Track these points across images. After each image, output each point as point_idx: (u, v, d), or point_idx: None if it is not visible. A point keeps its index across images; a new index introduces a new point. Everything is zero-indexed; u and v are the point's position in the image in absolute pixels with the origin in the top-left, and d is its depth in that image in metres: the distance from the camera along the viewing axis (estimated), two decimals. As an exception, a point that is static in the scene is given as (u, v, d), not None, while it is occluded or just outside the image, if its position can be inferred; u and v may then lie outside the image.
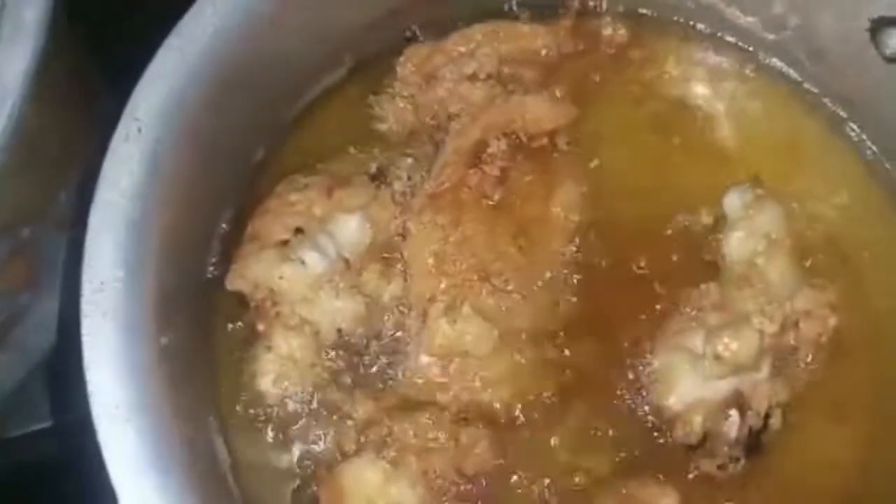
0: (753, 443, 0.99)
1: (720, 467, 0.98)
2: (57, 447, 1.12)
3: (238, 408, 1.01)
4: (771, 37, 1.16)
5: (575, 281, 1.04)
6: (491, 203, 1.03)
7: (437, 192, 1.02)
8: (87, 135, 1.04)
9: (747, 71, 1.19)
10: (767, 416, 0.99)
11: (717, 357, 0.96)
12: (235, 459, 0.99)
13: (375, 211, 1.03)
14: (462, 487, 0.96)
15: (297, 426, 1.00)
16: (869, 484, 1.03)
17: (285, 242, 0.99)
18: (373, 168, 1.06)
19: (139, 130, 0.89)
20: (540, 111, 1.09)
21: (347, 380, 1.01)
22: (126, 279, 0.86)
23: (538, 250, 1.04)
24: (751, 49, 1.19)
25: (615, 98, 1.16)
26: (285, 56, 1.05)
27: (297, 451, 1.00)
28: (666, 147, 1.14)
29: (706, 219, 1.08)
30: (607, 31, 1.18)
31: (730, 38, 1.19)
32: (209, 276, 1.03)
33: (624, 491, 0.96)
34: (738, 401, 0.98)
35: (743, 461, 0.98)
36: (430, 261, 1.00)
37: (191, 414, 0.93)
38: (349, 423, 0.98)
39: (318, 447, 1.00)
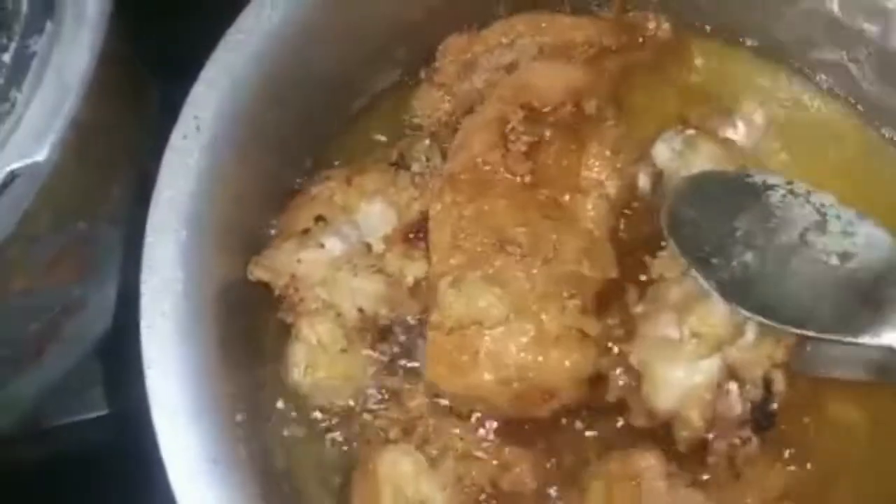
0: (761, 416, 0.96)
1: (732, 452, 0.95)
2: (109, 436, 1.12)
3: (280, 403, 1.01)
4: (819, 52, 1.16)
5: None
6: (522, 181, 1.00)
7: (455, 172, 1.01)
8: (138, 130, 1.05)
9: (797, 88, 1.19)
10: (768, 384, 0.96)
11: (697, 335, 0.94)
12: (286, 457, 1.00)
13: (395, 193, 1.02)
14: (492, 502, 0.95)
15: (341, 422, 1.01)
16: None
17: (306, 231, 0.99)
18: (393, 155, 1.06)
19: (198, 128, 0.89)
20: (551, 76, 1.06)
21: (383, 366, 1.01)
22: (185, 279, 0.86)
23: (567, 223, 1.00)
24: (800, 66, 1.18)
25: (653, 94, 1.16)
26: (340, 55, 1.05)
27: (339, 443, 1.00)
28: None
29: (643, 182, 1.08)
30: (651, 26, 1.17)
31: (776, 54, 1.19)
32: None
33: (611, 470, 0.95)
34: (732, 375, 0.95)
35: (755, 440, 0.95)
36: (449, 239, 0.98)
37: (249, 412, 0.94)
38: (397, 413, 0.98)
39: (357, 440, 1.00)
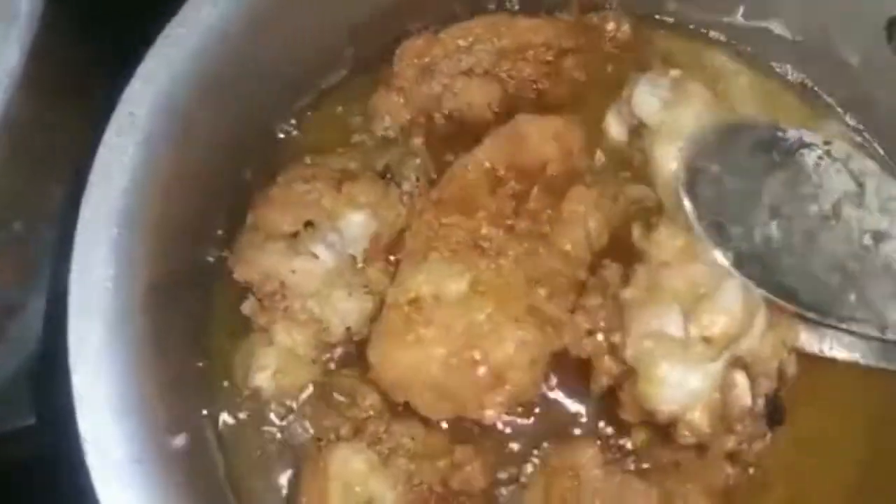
0: (774, 410, 0.91)
1: (741, 446, 0.92)
2: (39, 446, 1.10)
3: (232, 404, 1.00)
4: (780, 42, 1.14)
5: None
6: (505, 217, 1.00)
7: (440, 198, 1.01)
8: (79, 128, 1.02)
9: (754, 73, 1.17)
10: (782, 374, 0.91)
11: (707, 339, 0.87)
12: (230, 459, 0.99)
13: (383, 209, 1.01)
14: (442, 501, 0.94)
15: (293, 422, 1.00)
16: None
17: (295, 234, 0.97)
18: (380, 165, 1.05)
19: (133, 124, 0.88)
20: (542, 131, 1.05)
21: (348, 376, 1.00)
22: (116, 277, 0.85)
23: (544, 242, 0.99)
24: (758, 52, 1.17)
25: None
26: (289, 52, 1.04)
27: (293, 447, 1.00)
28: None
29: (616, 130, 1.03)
30: (610, 27, 1.16)
31: (738, 44, 1.18)
32: (206, 269, 1.03)
33: (550, 464, 0.95)
34: (741, 367, 0.89)
35: (769, 434, 0.92)
36: (423, 243, 0.98)
37: (183, 414, 0.93)
38: (351, 412, 0.96)
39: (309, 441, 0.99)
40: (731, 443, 0.91)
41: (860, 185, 0.94)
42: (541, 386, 0.96)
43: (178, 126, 0.91)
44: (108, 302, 0.84)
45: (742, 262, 0.89)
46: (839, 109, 1.15)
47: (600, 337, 0.93)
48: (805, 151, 0.95)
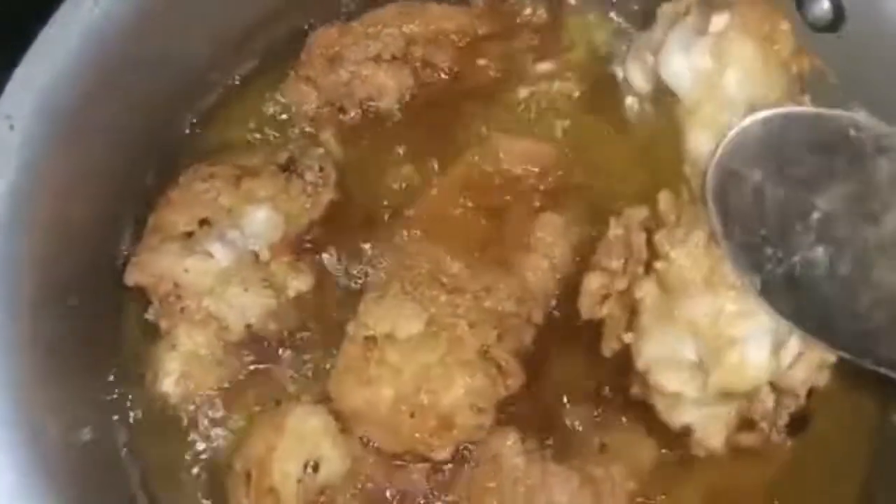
0: (797, 420, 0.86)
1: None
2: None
3: (142, 412, 0.98)
4: None
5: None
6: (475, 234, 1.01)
7: (413, 216, 1.02)
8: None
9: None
10: (810, 392, 0.83)
11: (726, 393, 0.80)
12: (143, 465, 0.97)
13: (285, 202, 1.00)
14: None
15: (206, 425, 0.97)
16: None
17: (190, 234, 0.96)
18: (282, 158, 1.03)
19: (11, 128, 0.85)
20: (519, 148, 1.06)
21: (263, 377, 0.98)
22: (2, 286, 0.82)
23: (507, 271, 1.00)
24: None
25: (533, 84, 1.12)
26: (185, 47, 1.02)
27: (204, 449, 0.97)
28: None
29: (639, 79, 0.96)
30: (526, 13, 1.14)
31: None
32: (115, 273, 0.99)
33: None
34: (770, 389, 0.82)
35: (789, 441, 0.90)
36: (394, 270, 0.98)
37: (88, 424, 0.90)
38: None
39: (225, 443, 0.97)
40: (749, 440, 0.88)
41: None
42: (487, 427, 0.94)
43: (64, 129, 0.88)
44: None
45: (772, 291, 0.75)
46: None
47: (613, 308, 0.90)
48: (882, 160, 0.75)
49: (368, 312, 0.94)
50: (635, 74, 0.97)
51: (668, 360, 0.83)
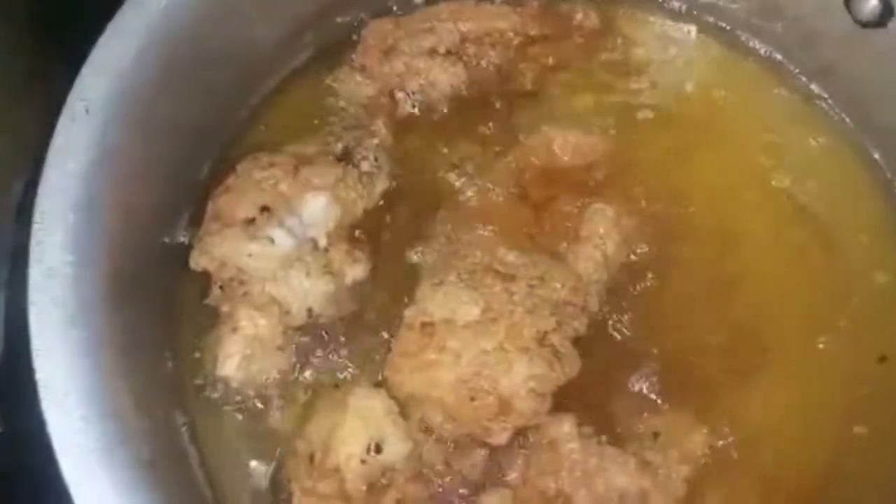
0: None
1: None
2: (9, 454, 1.07)
3: (203, 395, 0.98)
4: (745, 12, 1.15)
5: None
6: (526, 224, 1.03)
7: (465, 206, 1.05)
8: (37, 124, 1.01)
9: (721, 50, 1.18)
10: None
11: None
12: (202, 448, 0.97)
13: (342, 191, 1.01)
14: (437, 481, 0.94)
15: (266, 407, 0.98)
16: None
17: (251, 220, 0.97)
18: (338, 148, 1.04)
19: (86, 111, 0.87)
20: (571, 140, 1.08)
21: (321, 362, 0.99)
22: (77, 264, 0.83)
23: (559, 261, 1.01)
24: (726, 27, 1.18)
25: (585, 85, 1.15)
26: (246, 37, 1.04)
27: (264, 432, 0.98)
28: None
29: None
30: (578, 17, 1.17)
31: (704, 16, 1.18)
32: (171, 257, 1.00)
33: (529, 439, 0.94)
34: None
35: None
36: (445, 259, 1.00)
37: (151, 403, 0.91)
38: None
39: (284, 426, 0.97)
40: None
41: None
42: (544, 413, 0.94)
43: (134, 113, 0.90)
44: (68, 288, 0.82)
45: None
46: (803, 78, 1.15)
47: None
48: None
49: (426, 299, 0.95)
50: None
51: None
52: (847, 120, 1.13)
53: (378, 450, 0.90)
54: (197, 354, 0.99)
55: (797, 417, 1.01)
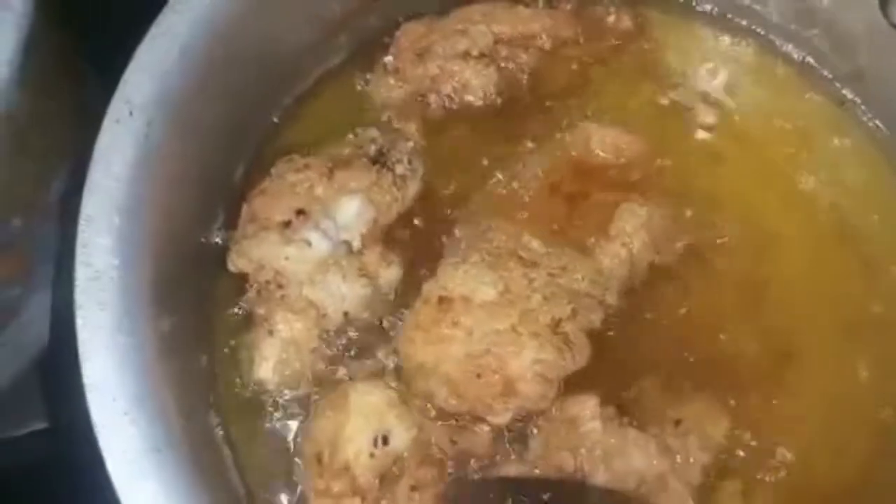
0: None
1: None
2: (53, 449, 1.08)
3: (236, 396, 0.99)
4: (778, 17, 1.15)
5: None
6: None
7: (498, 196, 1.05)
8: (77, 123, 1.02)
9: (753, 54, 1.18)
10: None
11: None
12: (237, 450, 0.97)
13: (376, 194, 1.01)
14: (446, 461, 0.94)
15: (299, 411, 0.98)
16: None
17: (287, 223, 0.97)
18: (372, 150, 1.04)
19: (130, 113, 0.86)
20: (609, 137, 1.09)
21: (349, 364, 0.99)
22: (122, 267, 0.83)
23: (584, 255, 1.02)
24: (760, 31, 1.17)
25: (617, 88, 1.15)
26: (280, 39, 1.04)
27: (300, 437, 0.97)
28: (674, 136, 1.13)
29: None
30: (611, 19, 1.17)
31: (736, 20, 1.18)
32: (207, 259, 1.01)
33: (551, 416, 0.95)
34: None
35: None
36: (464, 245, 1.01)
37: (190, 405, 0.91)
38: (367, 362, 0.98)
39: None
40: None
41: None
42: (551, 400, 0.95)
43: (175, 114, 0.89)
44: (114, 292, 0.82)
45: None
46: (836, 84, 1.15)
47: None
48: None
49: (446, 275, 0.96)
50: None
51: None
52: (879, 124, 1.13)
53: (385, 442, 0.91)
54: (231, 356, 0.99)
55: (824, 422, 1.01)
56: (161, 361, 0.85)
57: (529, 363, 0.92)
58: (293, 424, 0.98)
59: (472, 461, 0.94)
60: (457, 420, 0.94)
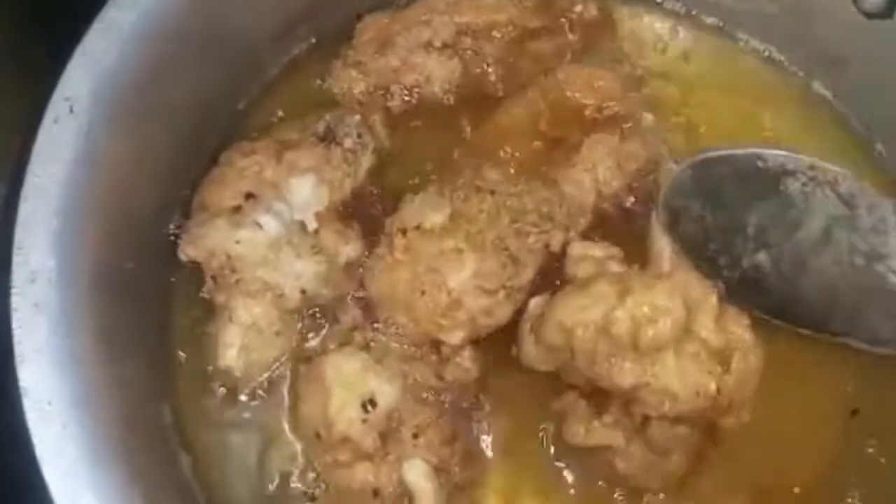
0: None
1: None
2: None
3: (201, 387, 0.98)
4: (743, 7, 1.14)
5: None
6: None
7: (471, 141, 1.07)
8: (27, 110, 1.00)
9: (717, 46, 1.17)
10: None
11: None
12: (194, 444, 0.96)
13: (327, 171, 1.00)
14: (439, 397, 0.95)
15: (268, 396, 0.98)
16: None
17: (237, 208, 0.96)
18: (320, 128, 1.03)
19: (70, 111, 0.84)
20: (584, 78, 1.09)
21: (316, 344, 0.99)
22: (59, 268, 0.81)
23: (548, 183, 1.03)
24: (722, 24, 1.17)
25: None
26: (233, 34, 1.02)
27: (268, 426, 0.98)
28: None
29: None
30: (577, 9, 1.15)
31: (703, 13, 1.18)
32: (164, 253, 0.99)
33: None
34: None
35: None
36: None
37: (139, 410, 0.90)
38: (335, 327, 0.98)
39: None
40: None
41: (852, 207, 0.95)
42: (502, 319, 0.96)
43: (122, 111, 0.88)
44: (51, 294, 0.80)
45: (735, 292, 0.91)
46: (801, 74, 1.15)
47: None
48: (788, 180, 0.97)
49: (403, 208, 0.98)
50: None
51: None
52: (849, 115, 1.12)
53: (373, 404, 0.92)
54: (193, 353, 0.99)
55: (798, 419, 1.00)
56: (107, 365, 0.84)
57: (469, 276, 0.94)
58: (262, 413, 0.97)
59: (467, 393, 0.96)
60: (438, 353, 0.96)
